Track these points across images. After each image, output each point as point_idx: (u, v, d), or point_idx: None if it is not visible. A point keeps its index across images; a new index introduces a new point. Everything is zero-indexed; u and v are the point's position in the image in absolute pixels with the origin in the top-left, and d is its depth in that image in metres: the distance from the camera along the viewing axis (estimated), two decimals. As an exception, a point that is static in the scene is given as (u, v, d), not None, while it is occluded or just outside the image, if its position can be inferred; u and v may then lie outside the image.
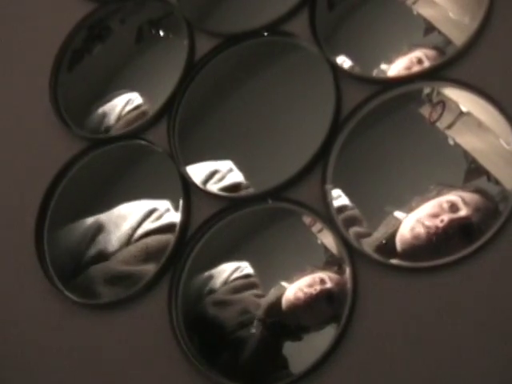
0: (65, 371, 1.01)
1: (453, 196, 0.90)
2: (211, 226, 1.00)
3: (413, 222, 0.90)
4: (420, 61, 0.97)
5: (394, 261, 0.90)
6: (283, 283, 0.94)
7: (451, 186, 0.90)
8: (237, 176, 1.01)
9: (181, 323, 0.97)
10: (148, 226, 1.03)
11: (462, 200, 0.89)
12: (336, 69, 1.01)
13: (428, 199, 0.91)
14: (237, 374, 0.93)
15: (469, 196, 0.89)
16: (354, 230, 0.93)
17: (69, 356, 1.01)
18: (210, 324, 0.96)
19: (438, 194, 0.90)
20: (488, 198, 0.89)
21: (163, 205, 1.04)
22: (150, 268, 1.00)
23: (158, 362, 0.97)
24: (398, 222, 0.91)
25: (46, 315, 1.05)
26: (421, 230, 0.89)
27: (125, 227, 1.04)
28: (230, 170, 1.02)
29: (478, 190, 0.89)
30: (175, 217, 1.02)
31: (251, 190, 1.00)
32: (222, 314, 0.95)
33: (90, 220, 1.07)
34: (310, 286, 0.92)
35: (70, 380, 1.00)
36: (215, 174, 1.02)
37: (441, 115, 0.94)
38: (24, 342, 1.05)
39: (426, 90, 0.96)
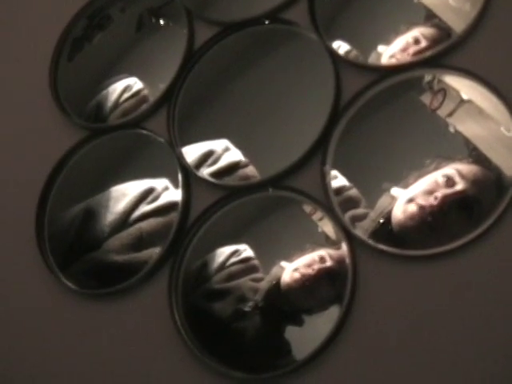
0: (64, 358, 1.01)
1: (449, 169, 0.89)
2: (212, 214, 1.00)
3: (405, 202, 0.89)
4: (417, 41, 0.97)
5: (391, 247, 0.89)
6: (283, 263, 0.93)
7: (449, 159, 0.89)
8: (235, 155, 1.01)
9: (181, 312, 0.97)
10: (144, 207, 1.03)
11: (458, 173, 0.88)
12: (335, 56, 1.00)
13: (426, 173, 0.90)
14: (238, 361, 0.93)
15: (466, 168, 0.88)
16: (351, 213, 0.92)
17: (69, 343, 1.02)
18: (208, 313, 0.96)
19: (436, 168, 0.90)
20: (488, 168, 0.88)
21: (161, 185, 1.03)
22: (144, 257, 1.00)
23: (157, 351, 0.97)
24: (394, 200, 0.90)
25: (46, 303, 1.05)
26: (414, 210, 0.89)
27: (118, 210, 1.04)
28: (227, 150, 1.02)
29: (476, 161, 0.88)
30: (174, 197, 1.02)
31: (251, 169, 1.00)
32: (220, 303, 0.95)
33: (79, 206, 1.07)
34: (309, 265, 0.92)
35: (70, 367, 1.01)
36: (211, 155, 1.02)
37: (442, 103, 0.94)
38: (24, 329, 1.05)
39: (427, 78, 0.96)
